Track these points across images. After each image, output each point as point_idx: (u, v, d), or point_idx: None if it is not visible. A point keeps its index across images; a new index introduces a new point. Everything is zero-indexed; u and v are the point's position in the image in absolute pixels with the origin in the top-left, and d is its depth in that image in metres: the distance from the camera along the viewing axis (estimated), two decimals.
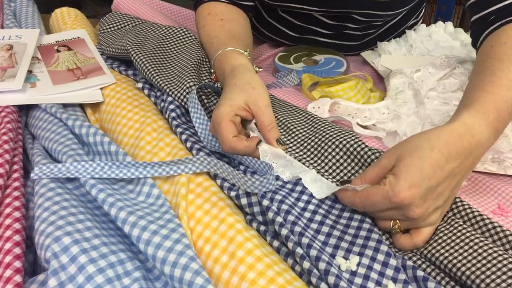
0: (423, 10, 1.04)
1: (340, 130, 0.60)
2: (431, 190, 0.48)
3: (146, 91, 0.70)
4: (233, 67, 0.64)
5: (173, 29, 0.78)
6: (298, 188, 0.54)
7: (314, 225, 0.50)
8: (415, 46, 0.79)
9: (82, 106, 0.70)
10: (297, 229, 0.49)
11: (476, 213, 0.53)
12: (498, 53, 0.59)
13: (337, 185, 0.54)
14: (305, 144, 0.59)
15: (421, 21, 1.03)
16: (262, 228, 0.51)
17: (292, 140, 0.61)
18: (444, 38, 0.79)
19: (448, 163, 0.49)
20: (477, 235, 0.49)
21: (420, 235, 0.50)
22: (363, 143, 0.57)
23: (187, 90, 0.66)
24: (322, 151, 0.58)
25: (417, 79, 0.67)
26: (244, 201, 0.53)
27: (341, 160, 0.58)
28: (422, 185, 0.47)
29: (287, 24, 0.92)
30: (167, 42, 0.76)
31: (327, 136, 0.60)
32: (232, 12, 0.78)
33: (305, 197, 0.53)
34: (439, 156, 0.49)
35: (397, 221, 0.50)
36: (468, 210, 0.54)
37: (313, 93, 0.73)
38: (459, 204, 0.54)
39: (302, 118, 0.65)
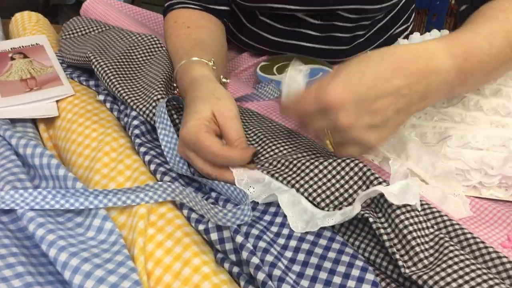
0: (413, 16, 0.98)
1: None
2: (367, 101, 0.43)
3: (108, 104, 0.61)
4: (193, 79, 0.56)
5: (142, 36, 0.70)
6: (278, 219, 0.46)
7: (297, 267, 0.42)
8: None
9: (34, 122, 0.61)
10: (277, 272, 0.40)
11: (481, 244, 0.45)
12: (482, 12, 0.54)
13: (322, 208, 0.46)
14: (286, 163, 0.51)
15: (410, 27, 0.96)
16: (235, 270, 0.43)
17: (269, 158, 0.53)
18: None
19: (395, 78, 0.44)
20: (472, 260, 0.41)
21: (343, 150, 0.46)
22: (352, 161, 0.49)
23: (154, 104, 0.57)
24: (307, 170, 0.49)
25: None
26: (214, 236, 0.45)
27: (328, 183, 0.49)
28: (357, 91, 0.43)
29: (268, 29, 0.84)
30: (134, 51, 0.67)
31: (310, 154, 0.52)
32: (203, 19, 0.71)
33: (286, 231, 0.45)
34: (386, 68, 0.44)
35: (329, 133, 0.46)
36: (472, 241, 0.46)
37: None
38: (459, 232, 0.46)
39: (283, 134, 0.57)
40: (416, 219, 0.43)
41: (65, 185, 0.48)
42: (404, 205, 0.44)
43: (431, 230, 0.44)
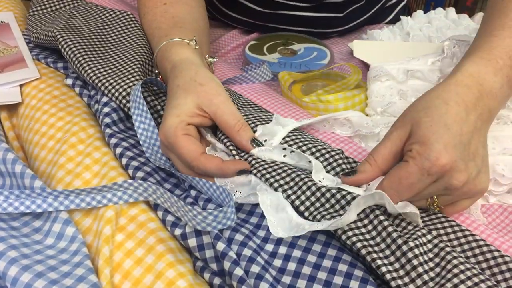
0: None
1: (326, 149, 0.46)
2: (466, 149, 0.40)
3: (77, 89, 0.55)
4: (173, 64, 0.49)
5: (116, 13, 0.63)
6: (266, 222, 0.40)
7: (287, 279, 0.37)
8: (412, 33, 0.65)
9: None
10: (264, 286, 0.35)
11: (496, 253, 0.40)
12: (501, 5, 0.48)
13: (315, 219, 0.40)
14: (276, 167, 0.44)
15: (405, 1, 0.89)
16: (217, 281, 0.37)
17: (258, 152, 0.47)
18: (446, 24, 0.65)
19: (469, 114, 0.42)
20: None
21: (456, 207, 0.43)
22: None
23: (128, 90, 0.51)
24: (297, 179, 0.43)
25: (413, 82, 0.52)
26: (192, 242, 0.39)
27: (322, 199, 0.42)
28: (456, 145, 0.40)
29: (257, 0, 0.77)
30: (107, 28, 0.61)
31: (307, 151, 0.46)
32: None
33: (274, 236, 0.39)
34: (458, 108, 0.41)
35: (434, 197, 0.42)
36: (485, 249, 0.40)
37: (305, 99, 0.56)
38: (470, 239, 0.41)
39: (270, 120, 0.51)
40: (415, 235, 0.38)
41: (22, 183, 0.42)
42: (402, 219, 0.39)
43: (434, 242, 0.38)
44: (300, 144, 0.46)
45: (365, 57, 0.56)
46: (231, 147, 0.45)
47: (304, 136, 0.48)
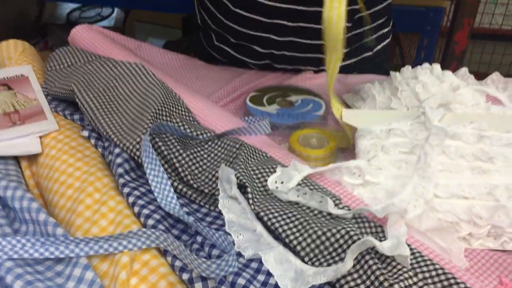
0: (391, 23, 0.97)
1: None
2: None
3: (92, 141, 0.60)
4: None
5: (127, 65, 0.69)
6: (266, 267, 0.45)
7: None
8: (401, 88, 0.71)
9: (16, 157, 0.60)
10: None
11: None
12: None
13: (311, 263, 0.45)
14: (286, 211, 0.50)
15: (390, 39, 0.97)
16: None
17: (269, 201, 0.52)
18: (432, 80, 0.71)
19: None
20: None
21: None
22: (344, 228, 0.48)
23: (138, 140, 0.56)
24: (296, 222, 0.49)
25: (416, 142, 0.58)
26: (198, 286, 0.43)
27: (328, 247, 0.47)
28: None
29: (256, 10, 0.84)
30: (120, 82, 0.66)
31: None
32: None
33: (273, 280, 0.44)
34: None
35: None
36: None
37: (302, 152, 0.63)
38: (452, 281, 0.45)
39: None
40: (402, 277, 0.42)
41: (46, 230, 0.46)
42: (391, 260, 0.43)
43: (419, 284, 0.43)
44: (311, 187, 0.53)
45: (353, 123, 0.62)
46: (251, 201, 0.50)
47: (313, 183, 0.54)
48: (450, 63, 1.41)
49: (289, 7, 0.82)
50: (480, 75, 2.37)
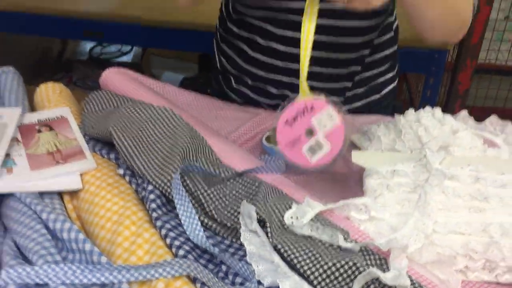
0: (397, 66, 1.04)
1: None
2: None
3: (127, 178, 0.67)
4: None
5: (157, 109, 0.77)
6: None
7: None
8: (404, 131, 0.78)
9: (60, 193, 0.67)
10: None
11: None
12: None
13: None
14: (301, 244, 0.56)
15: (397, 81, 1.04)
16: None
17: (286, 234, 0.58)
18: (433, 124, 0.78)
19: None
20: None
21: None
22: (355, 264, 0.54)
23: (169, 178, 0.63)
24: (311, 254, 0.55)
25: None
26: None
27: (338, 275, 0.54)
28: None
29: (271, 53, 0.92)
30: (150, 125, 0.74)
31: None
32: None
33: None
34: None
35: None
36: None
37: None
38: None
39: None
40: None
41: (91, 259, 0.53)
42: None
43: None
44: (323, 222, 0.60)
45: (362, 163, 0.69)
46: (269, 235, 0.57)
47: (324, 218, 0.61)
48: (454, 101, 1.48)
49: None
50: (485, 110, 2.44)
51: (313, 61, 0.90)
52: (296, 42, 0.89)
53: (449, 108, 1.50)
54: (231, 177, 0.68)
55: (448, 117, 0.80)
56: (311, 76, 0.92)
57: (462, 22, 0.81)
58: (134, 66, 2.26)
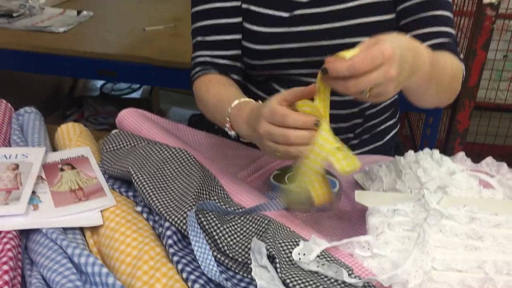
0: (399, 113, 1.09)
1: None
2: (403, 60, 0.60)
3: (144, 215, 0.72)
4: (251, 107, 0.75)
5: (173, 150, 0.82)
6: None
7: None
8: (404, 171, 0.82)
9: (81, 228, 0.71)
10: None
11: None
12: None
13: None
14: (308, 279, 0.60)
15: (398, 127, 1.09)
16: None
17: (294, 270, 0.62)
18: (431, 165, 0.83)
19: (409, 51, 0.63)
20: None
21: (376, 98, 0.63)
22: None
23: (184, 215, 0.68)
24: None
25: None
26: None
27: None
28: (400, 51, 0.60)
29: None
30: (167, 164, 0.79)
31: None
32: (229, 79, 0.91)
33: None
34: (405, 42, 0.64)
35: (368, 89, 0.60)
36: None
37: None
38: None
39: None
40: None
41: None
42: None
43: None
44: (328, 258, 0.64)
45: (365, 202, 0.74)
46: (278, 270, 0.61)
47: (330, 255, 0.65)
48: (454, 139, 1.53)
49: None
50: (486, 147, 2.47)
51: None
52: None
53: (449, 145, 1.55)
54: (242, 215, 0.73)
55: (446, 159, 0.85)
56: None
57: (454, 93, 0.89)
58: (144, 101, 2.33)
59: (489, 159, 0.92)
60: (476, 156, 0.97)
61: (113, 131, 0.93)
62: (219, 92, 0.86)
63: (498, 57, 2.24)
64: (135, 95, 2.43)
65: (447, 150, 0.97)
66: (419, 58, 0.67)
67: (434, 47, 0.85)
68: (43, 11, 1.89)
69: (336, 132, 0.99)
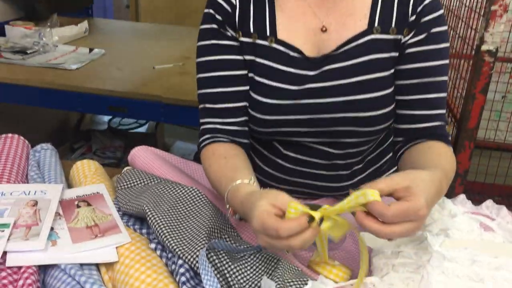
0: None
1: None
2: (430, 206, 0.67)
3: (158, 252, 0.74)
4: (244, 196, 0.74)
5: (186, 189, 0.85)
6: None
7: None
8: None
9: (97, 264, 0.74)
10: None
11: None
12: (427, 154, 0.88)
13: None
14: None
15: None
16: None
17: None
18: (433, 207, 0.86)
19: (435, 197, 0.71)
20: None
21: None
22: None
23: (197, 253, 0.71)
24: None
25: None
26: None
27: None
28: (430, 201, 0.66)
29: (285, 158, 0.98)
30: (181, 203, 0.82)
31: None
32: (234, 149, 0.90)
33: None
34: (435, 188, 0.70)
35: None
36: None
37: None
38: None
39: None
40: None
41: None
42: None
43: None
44: None
45: (369, 244, 0.77)
46: None
47: None
48: (455, 179, 1.56)
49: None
50: (486, 186, 2.47)
51: (313, 165, 0.98)
52: (297, 161, 0.98)
53: (450, 185, 1.58)
54: (252, 253, 0.75)
55: (447, 201, 0.88)
56: (310, 176, 1.00)
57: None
58: (149, 136, 2.38)
59: (489, 202, 0.95)
60: (476, 194, 1.00)
61: (125, 169, 0.97)
62: (219, 170, 0.85)
63: (496, 98, 2.30)
64: (142, 129, 2.48)
65: (448, 191, 0.99)
66: (440, 196, 0.74)
67: (426, 130, 0.92)
68: (57, 48, 1.96)
69: (338, 179, 1.01)
